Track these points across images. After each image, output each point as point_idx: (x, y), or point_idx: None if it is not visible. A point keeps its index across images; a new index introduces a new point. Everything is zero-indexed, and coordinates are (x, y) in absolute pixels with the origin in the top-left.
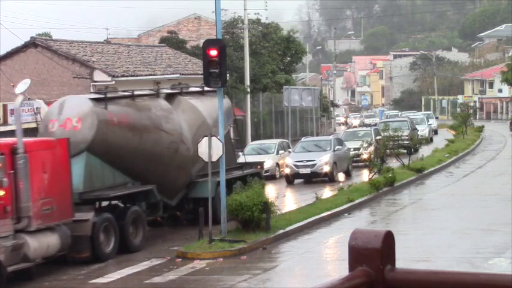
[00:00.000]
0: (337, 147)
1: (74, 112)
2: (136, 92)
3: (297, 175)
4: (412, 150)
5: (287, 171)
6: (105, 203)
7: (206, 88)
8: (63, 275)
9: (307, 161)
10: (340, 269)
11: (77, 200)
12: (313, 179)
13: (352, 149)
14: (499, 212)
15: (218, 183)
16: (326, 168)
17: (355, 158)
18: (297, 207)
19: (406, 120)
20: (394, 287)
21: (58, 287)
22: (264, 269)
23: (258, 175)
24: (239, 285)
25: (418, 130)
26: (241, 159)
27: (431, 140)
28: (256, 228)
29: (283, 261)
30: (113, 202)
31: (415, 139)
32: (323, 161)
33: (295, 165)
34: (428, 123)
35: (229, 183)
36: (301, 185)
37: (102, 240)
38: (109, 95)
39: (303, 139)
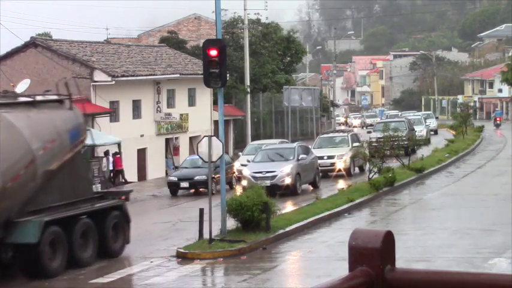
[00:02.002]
0: (301, 156)
1: None
2: None
3: None
4: (410, 150)
5: (244, 183)
6: None
7: (40, 98)
8: (64, 275)
9: (267, 172)
10: (340, 269)
11: None
12: (276, 192)
13: (325, 157)
14: (499, 212)
15: (46, 223)
16: (288, 180)
17: (329, 167)
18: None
19: (403, 121)
20: (394, 287)
21: (58, 287)
22: (264, 269)
23: (120, 209)
24: (239, 285)
25: (416, 131)
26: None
27: (428, 141)
28: (256, 228)
29: (283, 261)
30: None
31: (414, 139)
32: (284, 172)
33: (253, 177)
34: (426, 123)
35: (69, 222)
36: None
37: None
38: None
39: (263, 146)
